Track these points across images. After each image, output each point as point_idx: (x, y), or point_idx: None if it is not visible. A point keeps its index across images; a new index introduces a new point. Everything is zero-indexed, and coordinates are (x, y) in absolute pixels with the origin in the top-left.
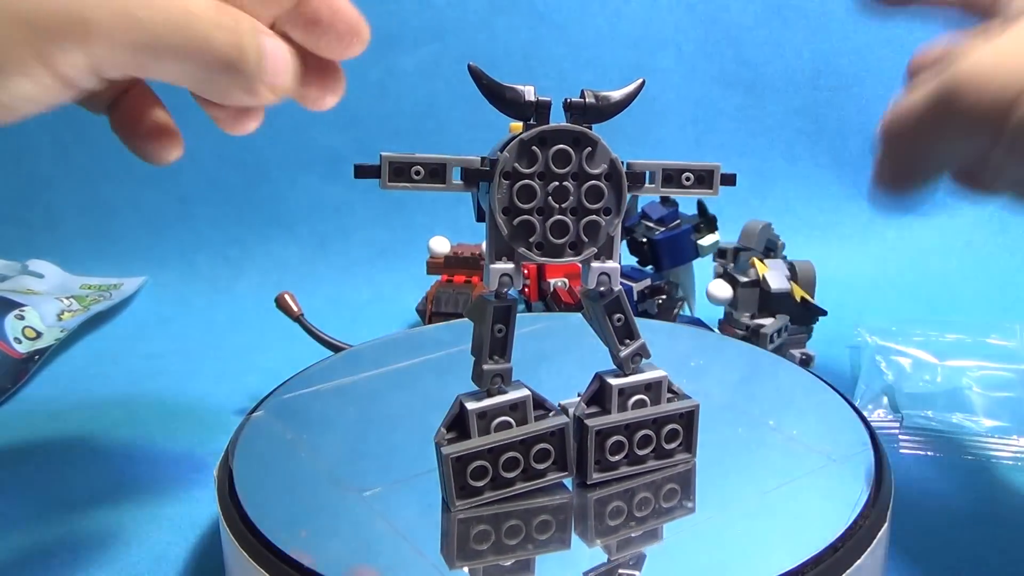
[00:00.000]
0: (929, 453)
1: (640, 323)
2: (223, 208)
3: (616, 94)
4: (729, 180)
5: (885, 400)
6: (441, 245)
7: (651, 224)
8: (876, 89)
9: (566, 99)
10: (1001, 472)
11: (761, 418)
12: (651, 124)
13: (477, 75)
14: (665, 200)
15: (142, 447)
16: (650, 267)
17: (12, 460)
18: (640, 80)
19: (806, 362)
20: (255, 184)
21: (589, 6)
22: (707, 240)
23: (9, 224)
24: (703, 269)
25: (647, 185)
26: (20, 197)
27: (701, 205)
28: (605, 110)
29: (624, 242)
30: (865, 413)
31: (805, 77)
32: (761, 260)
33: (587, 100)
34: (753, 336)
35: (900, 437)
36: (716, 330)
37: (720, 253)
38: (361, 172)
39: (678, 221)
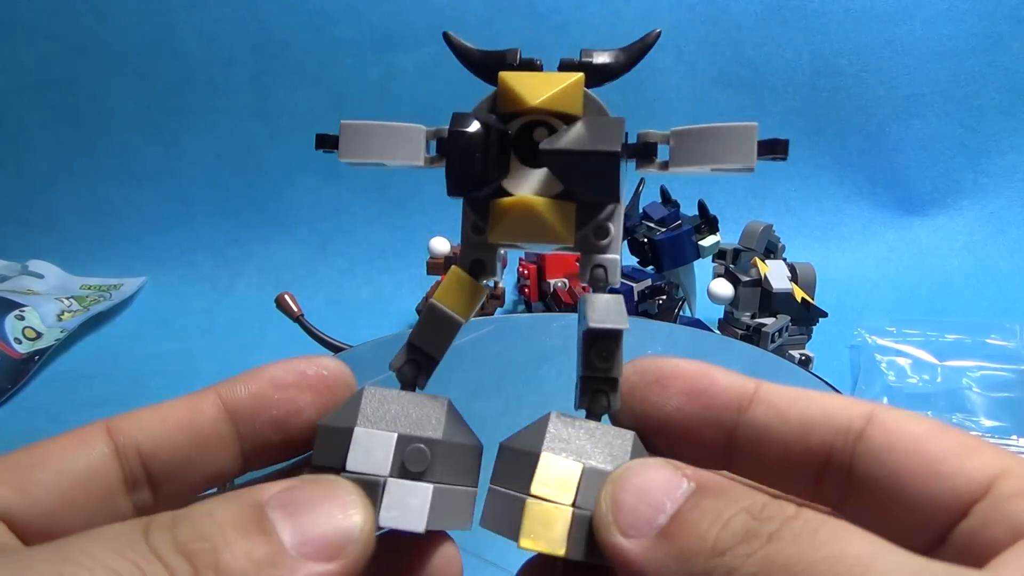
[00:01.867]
0: None
1: (640, 323)
2: (223, 208)
3: (621, 54)
4: (775, 149)
5: (885, 400)
6: (441, 245)
7: (652, 224)
8: (876, 89)
9: (561, 60)
10: None
11: None
12: (651, 124)
13: (450, 42)
14: (666, 200)
15: None
16: (651, 267)
17: None
18: (656, 31)
19: (805, 363)
20: (255, 184)
21: (589, 6)
22: (708, 241)
23: (9, 224)
24: (703, 270)
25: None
26: (20, 197)
27: (702, 206)
28: (609, 71)
29: (625, 242)
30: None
31: (805, 77)
32: (762, 260)
33: (586, 60)
34: (754, 335)
35: None
36: (716, 331)
37: (720, 254)
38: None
39: (679, 222)
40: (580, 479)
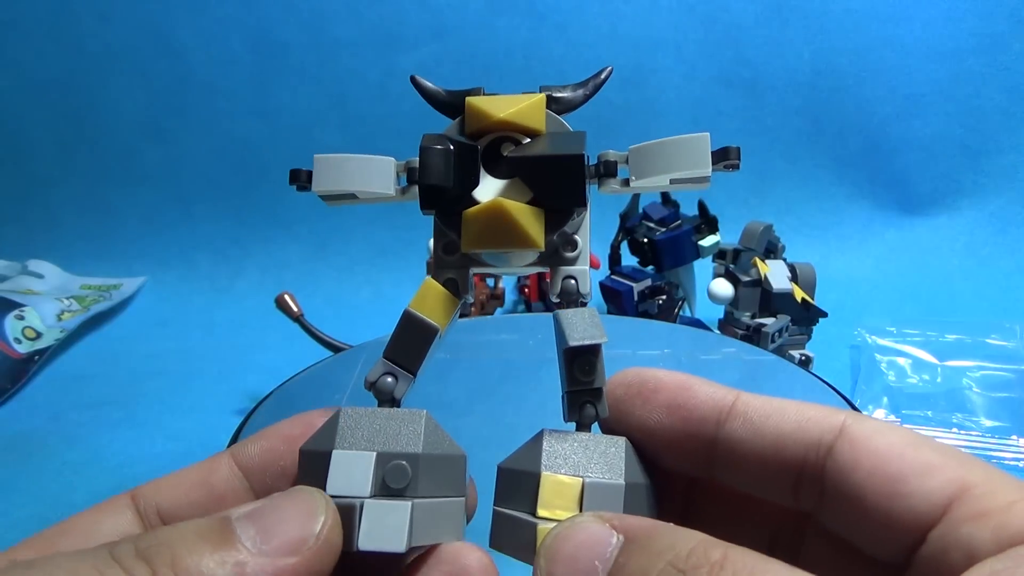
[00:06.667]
0: None
1: (640, 323)
2: (223, 208)
3: (578, 93)
4: (727, 155)
5: (885, 400)
6: None
7: (652, 224)
8: (876, 89)
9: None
10: None
11: None
12: (651, 124)
13: (417, 85)
14: (666, 200)
15: (142, 447)
16: (651, 267)
17: (12, 460)
18: (608, 68)
19: (805, 363)
20: (255, 184)
21: (589, 6)
22: (708, 241)
23: (9, 224)
24: (703, 270)
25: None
26: (20, 197)
27: (702, 206)
28: (567, 102)
29: (625, 242)
30: (865, 413)
31: (805, 77)
32: (762, 260)
33: (546, 92)
34: (754, 335)
35: None
36: (716, 331)
37: (720, 254)
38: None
39: (679, 222)
40: (582, 493)
